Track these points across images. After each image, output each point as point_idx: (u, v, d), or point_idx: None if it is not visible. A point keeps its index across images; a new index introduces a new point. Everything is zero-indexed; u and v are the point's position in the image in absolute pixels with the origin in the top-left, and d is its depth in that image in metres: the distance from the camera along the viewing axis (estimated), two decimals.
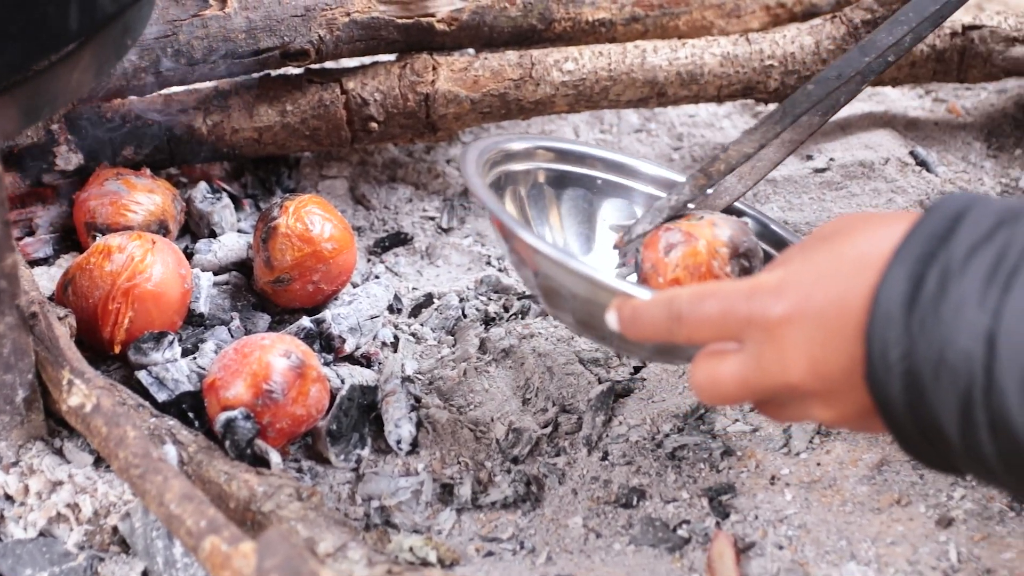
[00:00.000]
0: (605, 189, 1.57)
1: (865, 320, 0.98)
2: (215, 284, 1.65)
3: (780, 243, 1.49)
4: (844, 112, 2.05)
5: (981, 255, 0.94)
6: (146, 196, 1.68)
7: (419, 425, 1.49)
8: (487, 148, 1.47)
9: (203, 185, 1.78)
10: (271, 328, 1.63)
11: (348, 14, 1.76)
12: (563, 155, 1.56)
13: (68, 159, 1.73)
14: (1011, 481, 0.96)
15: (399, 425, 1.48)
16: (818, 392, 1.04)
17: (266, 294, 1.64)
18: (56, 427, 1.43)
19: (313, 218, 1.61)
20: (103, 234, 1.62)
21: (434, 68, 1.80)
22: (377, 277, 1.74)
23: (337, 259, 1.62)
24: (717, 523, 1.38)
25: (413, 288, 1.75)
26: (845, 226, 1.06)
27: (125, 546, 1.35)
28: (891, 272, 0.97)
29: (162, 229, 1.68)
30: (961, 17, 1.90)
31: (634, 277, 1.44)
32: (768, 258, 1.46)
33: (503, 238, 1.37)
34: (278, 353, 1.44)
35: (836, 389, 1.03)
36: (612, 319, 1.17)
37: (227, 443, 1.40)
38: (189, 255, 1.69)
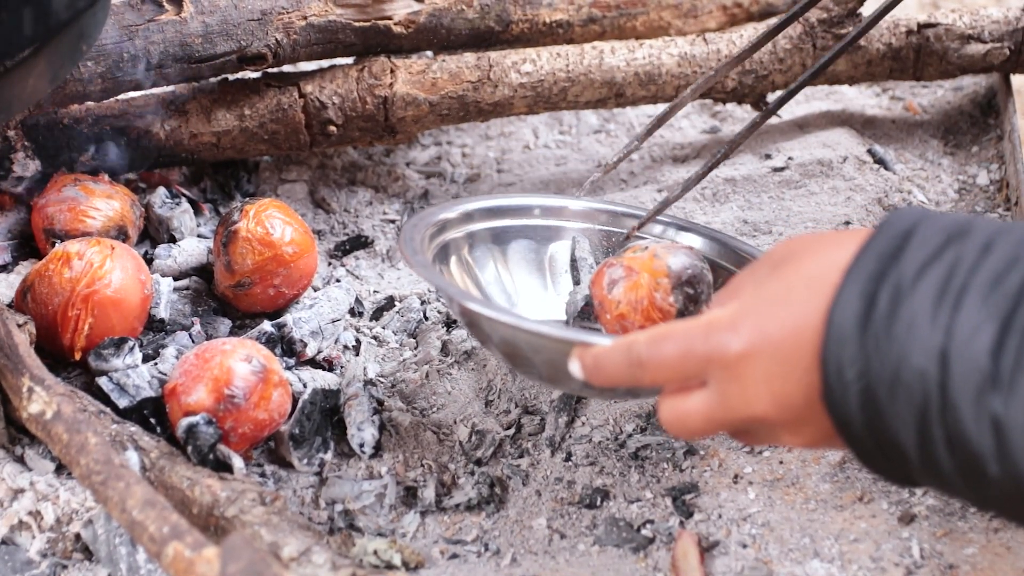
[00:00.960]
0: (547, 234, 1.57)
1: (820, 342, 0.99)
2: (175, 289, 1.64)
3: (741, 259, 1.50)
4: (802, 111, 2.06)
5: (931, 273, 0.95)
6: (105, 202, 1.68)
7: (382, 428, 1.49)
8: (422, 222, 1.47)
9: (162, 190, 1.77)
10: (232, 333, 1.62)
11: (305, 18, 1.76)
12: (497, 212, 1.56)
13: (25, 165, 1.72)
14: (970, 494, 0.97)
15: (362, 428, 1.48)
16: (784, 421, 1.05)
17: (227, 299, 1.64)
18: (17, 435, 1.42)
19: (273, 222, 1.61)
20: (62, 240, 1.62)
21: (392, 71, 1.80)
22: (338, 280, 1.74)
23: (298, 263, 1.61)
24: (681, 522, 1.38)
25: (374, 291, 1.75)
26: (795, 250, 1.07)
27: (88, 553, 1.35)
28: (843, 292, 0.98)
29: (121, 235, 1.67)
30: (916, 15, 1.92)
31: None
32: (728, 275, 1.47)
33: (457, 313, 1.40)
34: (239, 358, 1.44)
35: (801, 417, 1.04)
36: (576, 368, 1.18)
37: (189, 448, 1.40)
38: (149, 261, 1.68)
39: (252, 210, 1.61)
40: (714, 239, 1.55)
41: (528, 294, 1.54)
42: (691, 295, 1.37)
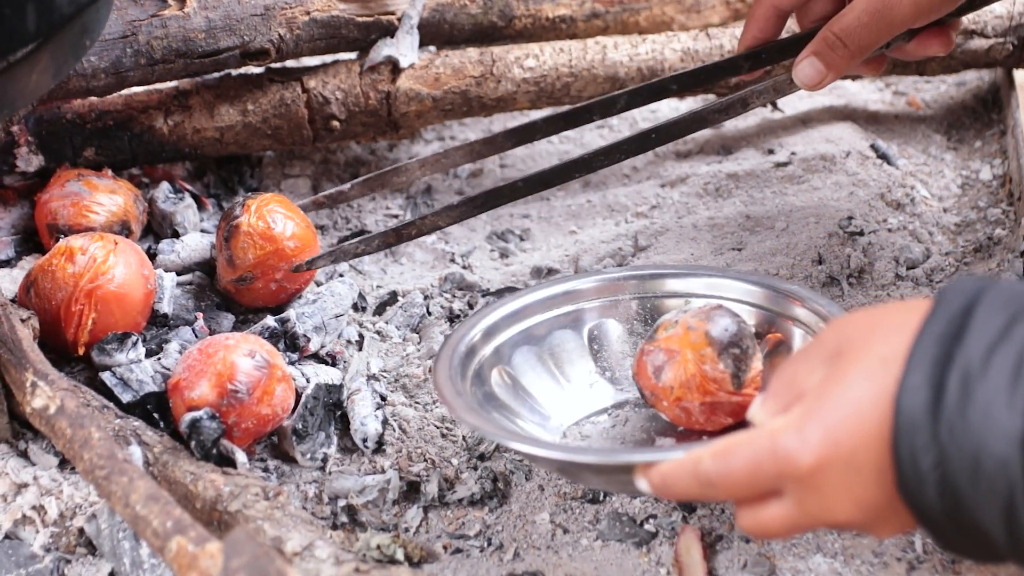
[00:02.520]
0: (579, 317, 1.53)
1: (891, 436, 0.97)
2: (179, 284, 1.64)
3: (773, 295, 1.47)
4: (805, 106, 2.06)
5: (1001, 355, 0.93)
6: (108, 197, 1.68)
7: (385, 423, 1.49)
8: (451, 354, 1.43)
9: (165, 185, 1.77)
10: (235, 328, 1.62)
11: (308, 13, 1.76)
12: (520, 313, 1.51)
13: (29, 161, 1.72)
14: None
15: (365, 423, 1.48)
16: (869, 522, 1.03)
17: (229, 293, 1.64)
18: (20, 429, 1.42)
19: (275, 216, 1.61)
20: (65, 235, 1.62)
21: (395, 66, 1.80)
22: (341, 275, 1.74)
23: (299, 257, 1.61)
24: (684, 517, 1.38)
25: (377, 286, 1.75)
26: (850, 338, 1.03)
27: (92, 547, 1.35)
28: (908, 380, 0.96)
29: (124, 230, 1.67)
30: None
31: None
32: (765, 317, 1.47)
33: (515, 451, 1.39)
34: (243, 353, 1.44)
35: (884, 515, 1.02)
36: (644, 486, 1.17)
37: (192, 443, 1.40)
38: (152, 255, 1.68)
39: (254, 204, 1.61)
40: (732, 279, 1.51)
41: (579, 379, 1.52)
42: (738, 355, 1.35)
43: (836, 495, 1.01)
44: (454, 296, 1.71)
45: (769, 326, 1.46)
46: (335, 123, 1.80)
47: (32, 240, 1.72)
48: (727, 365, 1.35)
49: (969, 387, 0.93)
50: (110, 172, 1.73)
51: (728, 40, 1.87)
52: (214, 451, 1.40)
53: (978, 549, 0.98)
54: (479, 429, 1.30)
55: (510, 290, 1.66)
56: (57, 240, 1.61)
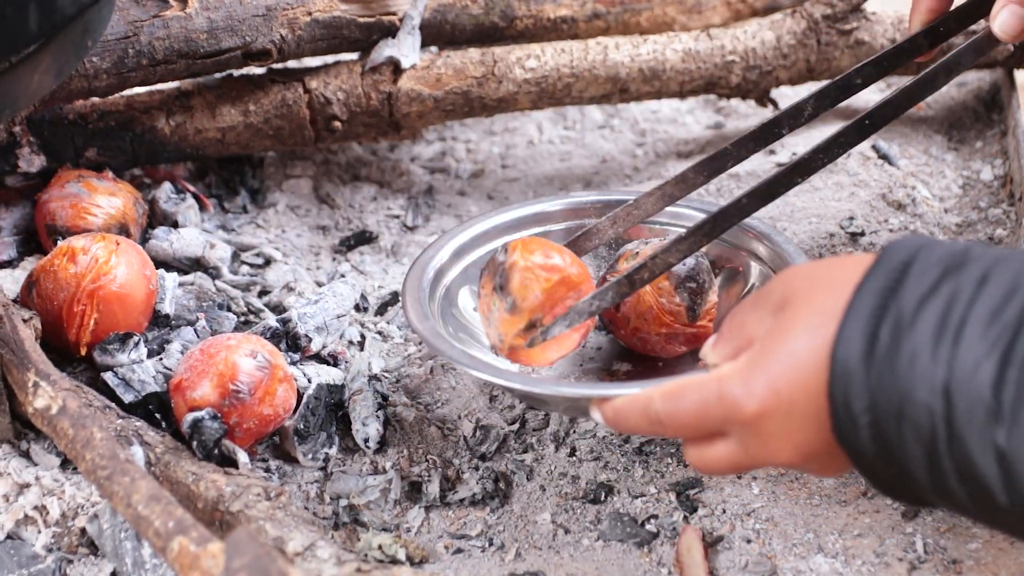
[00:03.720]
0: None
1: (827, 382, 1.01)
2: (180, 284, 1.64)
3: (737, 229, 1.48)
4: None
5: (930, 306, 0.97)
6: (107, 199, 1.68)
7: (386, 423, 1.49)
8: (419, 275, 1.46)
9: (167, 185, 1.78)
10: (237, 328, 1.62)
11: (310, 13, 1.76)
12: (487, 235, 1.55)
13: (31, 161, 1.72)
14: (983, 519, 0.99)
15: (366, 423, 1.48)
16: (808, 464, 1.08)
17: (516, 359, 1.42)
18: (22, 429, 1.43)
19: (543, 249, 1.40)
20: (63, 237, 1.62)
21: (396, 67, 1.80)
22: (343, 276, 1.74)
23: (585, 284, 1.39)
24: (685, 517, 1.38)
25: (379, 286, 1.75)
26: (794, 290, 1.08)
27: (93, 548, 1.35)
28: (845, 330, 1.00)
29: (123, 232, 1.67)
30: None
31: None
32: (724, 249, 1.49)
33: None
34: (244, 353, 1.44)
35: (822, 458, 1.07)
36: (597, 416, 1.22)
37: (194, 443, 1.40)
38: (145, 241, 1.69)
39: (516, 245, 1.40)
40: (695, 208, 1.55)
41: None
42: (694, 289, 1.39)
43: (777, 440, 1.06)
44: None
45: (726, 257, 1.51)
46: (337, 123, 1.80)
47: (34, 240, 1.73)
48: (683, 298, 1.39)
49: (899, 337, 0.97)
50: (111, 174, 1.73)
51: (729, 40, 1.87)
52: (216, 451, 1.40)
53: (907, 491, 1.02)
54: (445, 355, 1.34)
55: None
56: (56, 241, 1.61)
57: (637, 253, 1.42)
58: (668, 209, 1.51)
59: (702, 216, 1.47)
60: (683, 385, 1.12)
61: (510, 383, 1.33)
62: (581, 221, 1.56)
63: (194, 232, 1.73)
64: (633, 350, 1.45)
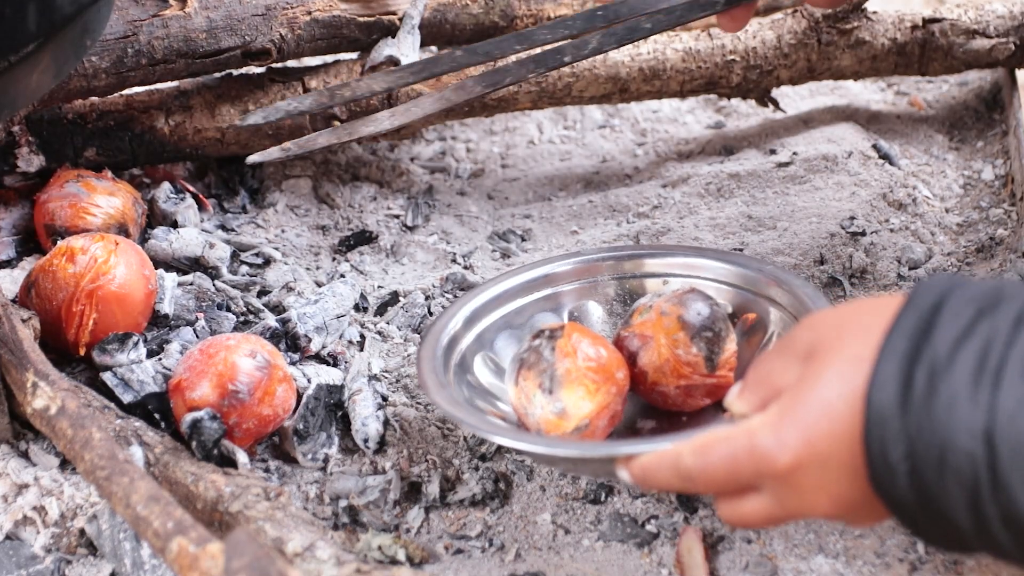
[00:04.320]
0: (559, 300, 1.54)
1: (862, 430, 1.00)
2: (179, 284, 1.64)
3: (754, 276, 1.48)
4: (807, 106, 2.06)
5: (966, 349, 0.95)
6: (106, 199, 1.68)
7: (386, 423, 1.49)
8: (433, 343, 1.44)
9: (166, 185, 1.78)
10: (236, 328, 1.62)
11: (309, 13, 1.76)
12: (500, 298, 1.52)
13: (30, 161, 1.72)
14: None
15: (366, 424, 1.48)
16: (845, 515, 1.06)
17: None
18: (21, 430, 1.42)
19: (595, 348, 1.35)
20: (62, 237, 1.62)
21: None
22: (343, 276, 1.74)
23: (626, 386, 1.38)
24: (685, 518, 1.38)
25: (379, 286, 1.75)
26: (822, 338, 1.06)
27: (92, 548, 1.35)
28: (879, 374, 0.98)
29: (122, 232, 1.67)
30: (922, 10, 1.92)
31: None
32: (740, 297, 1.48)
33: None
34: (244, 353, 1.44)
35: (860, 508, 1.05)
36: (625, 476, 1.20)
37: (194, 444, 1.40)
38: (145, 241, 1.69)
39: (565, 344, 1.34)
40: (709, 258, 1.53)
41: None
42: (711, 338, 1.37)
43: (813, 492, 1.04)
44: (455, 296, 1.71)
45: (745, 305, 1.48)
46: (336, 123, 1.80)
47: (33, 240, 1.73)
48: (700, 348, 1.37)
49: (935, 381, 0.95)
50: (110, 174, 1.73)
51: (730, 40, 1.87)
52: (215, 451, 1.40)
53: (948, 538, 1.00)
54: (464, 423, 1.32)
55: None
56: (55, 241, 1.61)
57: (651, 306, 1.41)
58: (687, 260, 1.52)
59: (720, 266, 1.49)
60: (712, 439, 1.09)
61: (533, 447, 1.29)
62: (593, 279, 1.54)
63: (193, 232, 1.73)
64: (655, 406, 1.43)
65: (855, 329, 1.03)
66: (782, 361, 1.09)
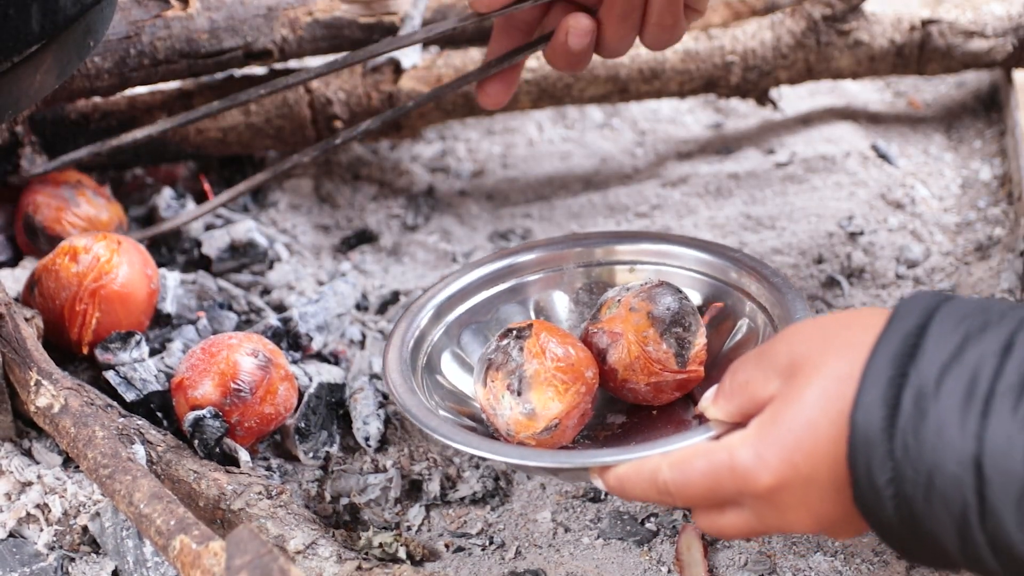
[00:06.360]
0: (524, 291, 1.52)
1: (847, 453, 0.99)
2: (182, 283, 1.65)
3: (725, 263, 1.46)
4: (806, 106, 2.06)
5: (954, 376, 0.95)
6: (92, 213, 1.66)
7: (387, 422, 1.50)
8: (400, 344, 1.41)
9: (168, 191, 1.77)
10: (238, 327, 1.63)
11: (311, 13, 1.76)
12: (466, 291, 1.49)
13: (32, 160, 1.72)
14: None
15: (367, 422, 1.49)
16: (825, 531, 1.06)
17: None
18: (24, 428, 1.43)
19: (564, 347, 1.34)
20: (35, 232, 1.62)
21: (397, 67, 1.81)
22: (344, 275, 1.74)
23: (595, 385, 1.36)
24: (685, 515, 1.38)
25: (380, 286, 1.75)
26: (803, 355, 1.04)
27: (95, 546, 1.35)
28: (863, 397, 0.97)
29: None
30: (920, 11, 1.92)
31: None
32: (710, 286, 1.47)
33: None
34: (245, 352, 1.44)
35: (841, 525, 1.05)
36: (599, 484, 1.18)
37: (196, 442, 1.40)
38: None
39: (532, 346, 1.33)
40: (679, 244, 1.51)
41: None
42: (680, 333, 1.35)
43: (794, 510, 1.04)
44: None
45: (713, 293, 1.46)
46: (338, 123, 1.80)
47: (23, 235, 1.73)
48: (670, 345, 1.35)
49: (923, 406, 0.95)
50: (108, 191, 1.73)
51: (729, 41, 1.88)
52: (217, 450, 1.40)
53: (935, 559, 1.00)
54: (435, 432, 1.28)
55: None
56: (27, 231, 1.62)
57: (619, 300, 1.39)
58: (656, 247, 1.50)
59: (689, 252, 1.47)
60: (691, 454, 1.08)
61: (508, 458, 1.27)
62: (558, 268, 1.52)
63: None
64: (625, 401, 1.43)
65: (839, 345, 1.02)
66: (762, 372, 1.07)
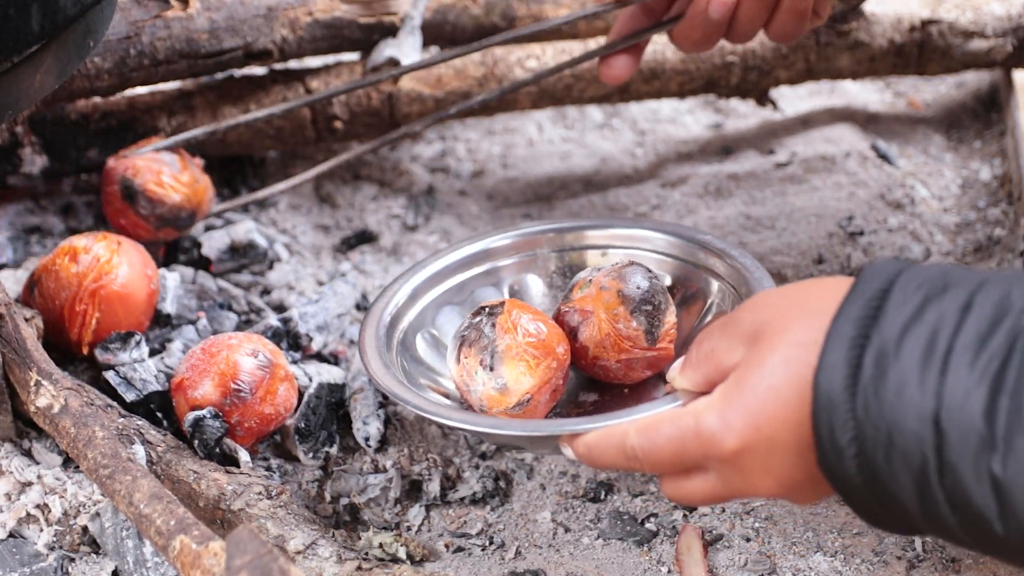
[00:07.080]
0: (498, 275, 1.54)
1: (811, 414, 1.00)
2: (181, 283, 1.65)
3: (693, 246, 1.48)
4: (805, 106, 2.06)
5: (914, 335, 0.96)
6: (193, 178, 1.66)
7: (387, 422, 1.50)
8: (375, 323, 1.43)
9: None
10: (238, 327, 1.63)
11: (311, 14, 1.76)
12: (442, 273, 1.51)
13: (33, 161, 1.72)
14: (977, 547, 0.97)
15: (367, 422, 1.49)
16: (790, 495, 1.07)
17: None
18: (24, 428, 1.43)
19: (536, 323, 1.36)
20: (133, 198, 1.61)
21: (397, 67, 1.81)
22: (344, 275, 1.74)
23: (567, 362, 1.38)
24: (685, 516, 1.38)
25: (380, 286, 1.75)
26: (767, 321, 1.06)
27: (95, 546, 1.35)
28: (826, 359, 0.98)
29: (190, 219, 1.66)
30: (920, 11, 1.92)
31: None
32: (679, 266, 1.49)
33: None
34: (245, 352, 1.44)
35: (805, 488, 1.06)
36: (569, 454, 1.20)
37: (196, 442, 1.40)
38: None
39: (505, 321, 1.34)
40: (648, 229, 1.53)
41: None
42: (650, 311, 1.36)
43: (758, 474, 1.05)
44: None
45: (684, 276, 1.48)
46: (337, 123, 1.80)
47: (32, 241, 1.73)
48: (640, 322, 1.36)
49: (884, 366, 0.96)
50: (202, 161, 1.72)
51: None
52: (217, 450, 1.41)
53: (896, 521, 1.01)
54: (409, 404, 1.31)
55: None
56: (127, 194, 1.61)
57: (591, 281, 1.40)
58: (627, 232, 1.52)
59: (659, 236, 1.50)
60: (657, 420, 1.11)
61: (478, 427, 1.29)
62: (533, 252, 1.54)
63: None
64: (596, 379, 1.44)
65: (802, 312, 1.04)
66: (727, 340, 1.09)
